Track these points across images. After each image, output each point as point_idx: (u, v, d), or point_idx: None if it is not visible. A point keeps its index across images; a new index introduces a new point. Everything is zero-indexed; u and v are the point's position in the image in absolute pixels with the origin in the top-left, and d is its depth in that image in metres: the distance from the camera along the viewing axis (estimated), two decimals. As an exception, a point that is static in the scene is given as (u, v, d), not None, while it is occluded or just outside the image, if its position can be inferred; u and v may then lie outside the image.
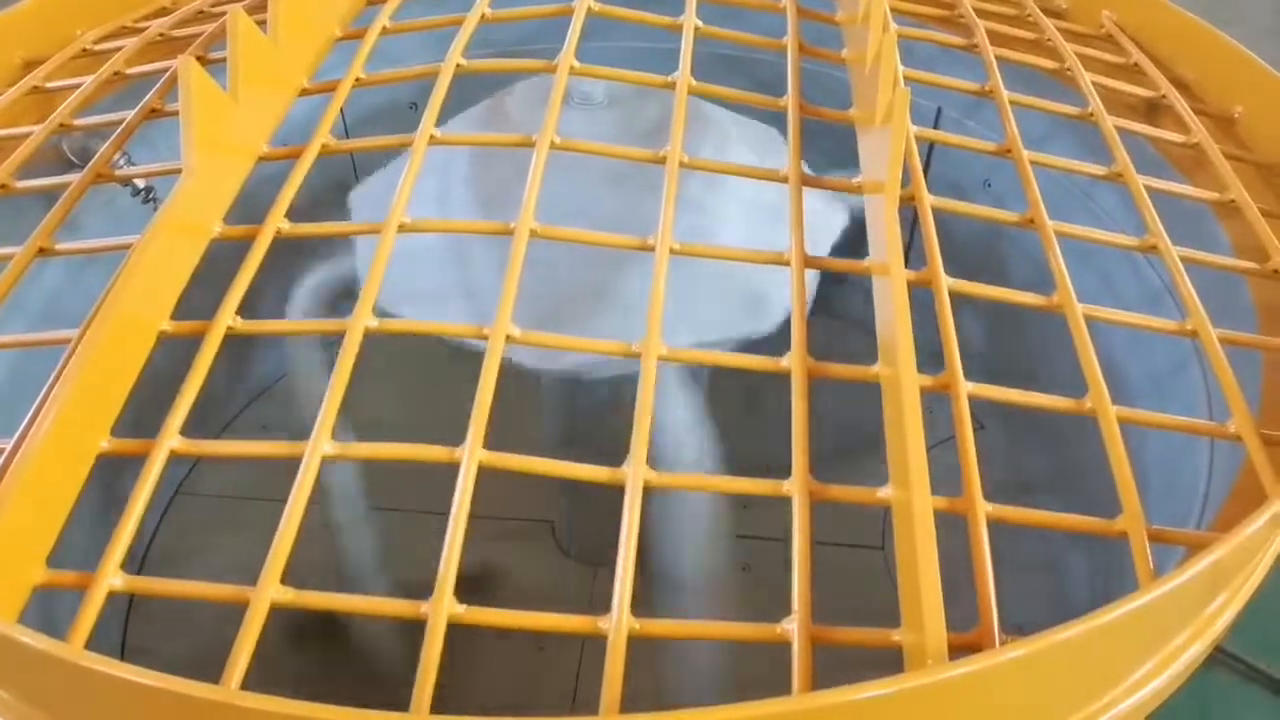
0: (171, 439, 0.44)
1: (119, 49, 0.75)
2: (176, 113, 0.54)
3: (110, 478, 0.48)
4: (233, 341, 0.49)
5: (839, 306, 1.06)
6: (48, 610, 0.44)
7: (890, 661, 0.37)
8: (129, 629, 0.95)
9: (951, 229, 0.57)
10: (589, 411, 0.85)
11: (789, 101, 0.63)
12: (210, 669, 0.35)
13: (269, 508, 0.41)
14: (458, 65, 0.63)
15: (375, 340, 0.48)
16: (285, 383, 1.15)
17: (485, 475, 0.42)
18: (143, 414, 0.48)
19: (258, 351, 1.17)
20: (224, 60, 0.58)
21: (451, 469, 0.42)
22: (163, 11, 0.86)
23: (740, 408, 0.88)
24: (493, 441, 0.43)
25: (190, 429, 0.45)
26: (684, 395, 0.71)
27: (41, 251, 0.56)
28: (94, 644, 0.37)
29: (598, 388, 0.77)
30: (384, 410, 0.77)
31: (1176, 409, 0.71)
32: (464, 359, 0.54)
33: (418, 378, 0.95)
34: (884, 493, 0.43)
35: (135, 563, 0.93)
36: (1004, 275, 0.81)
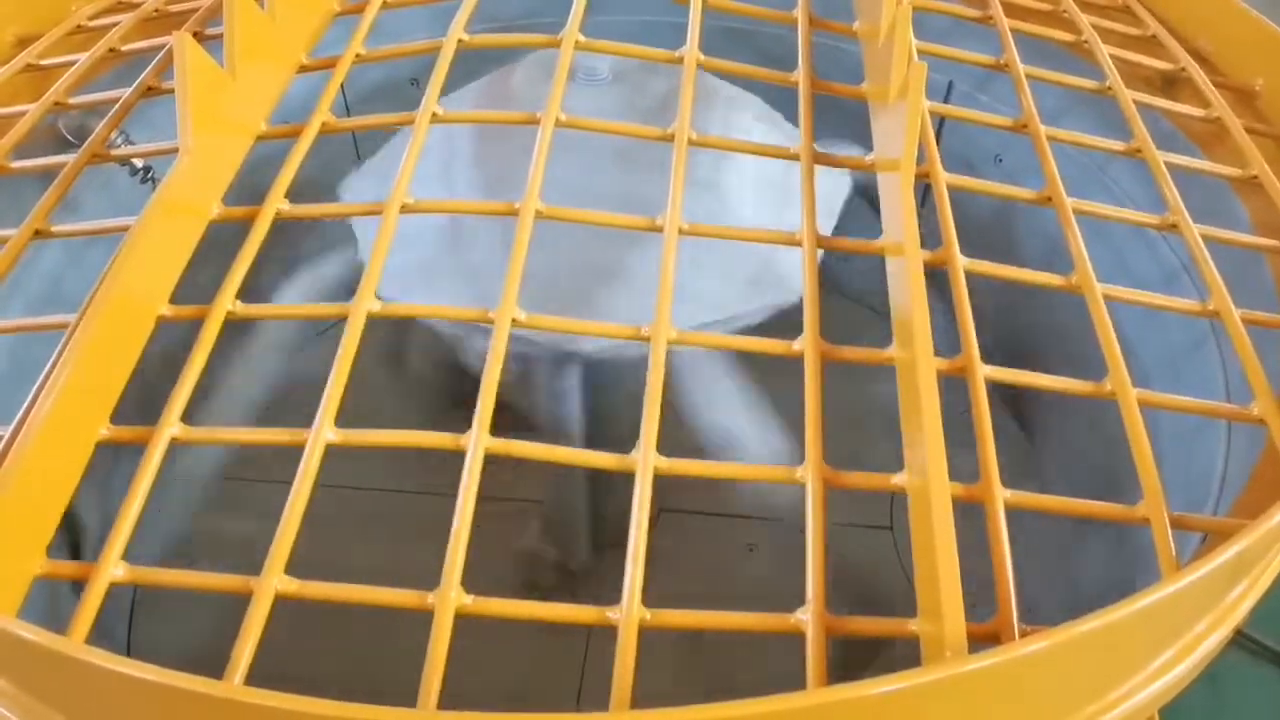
0: (172, 426, 0.43)
1: (115, 24, 0.74)
2: (173, 90, 0.53)
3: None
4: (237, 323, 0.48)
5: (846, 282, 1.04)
6: (56, 600, 0.44)
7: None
8: (134, 619, 0.94)
9: (963, 206, 0.55)
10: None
11: (800, 76, 0.61)
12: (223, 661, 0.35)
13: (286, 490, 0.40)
14: (460, 41, 0.61)
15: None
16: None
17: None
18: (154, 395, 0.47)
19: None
20: (221, 36, 0.57)
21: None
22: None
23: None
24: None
25: (197, 412, 0.44)
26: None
27: (38, 234, 0.54)
28: (102, 633, 0.36)
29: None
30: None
31: (1192, 388, 0.70)
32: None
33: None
34: (899, 479, 0.42)
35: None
36: (1015, 252, 0.80)
